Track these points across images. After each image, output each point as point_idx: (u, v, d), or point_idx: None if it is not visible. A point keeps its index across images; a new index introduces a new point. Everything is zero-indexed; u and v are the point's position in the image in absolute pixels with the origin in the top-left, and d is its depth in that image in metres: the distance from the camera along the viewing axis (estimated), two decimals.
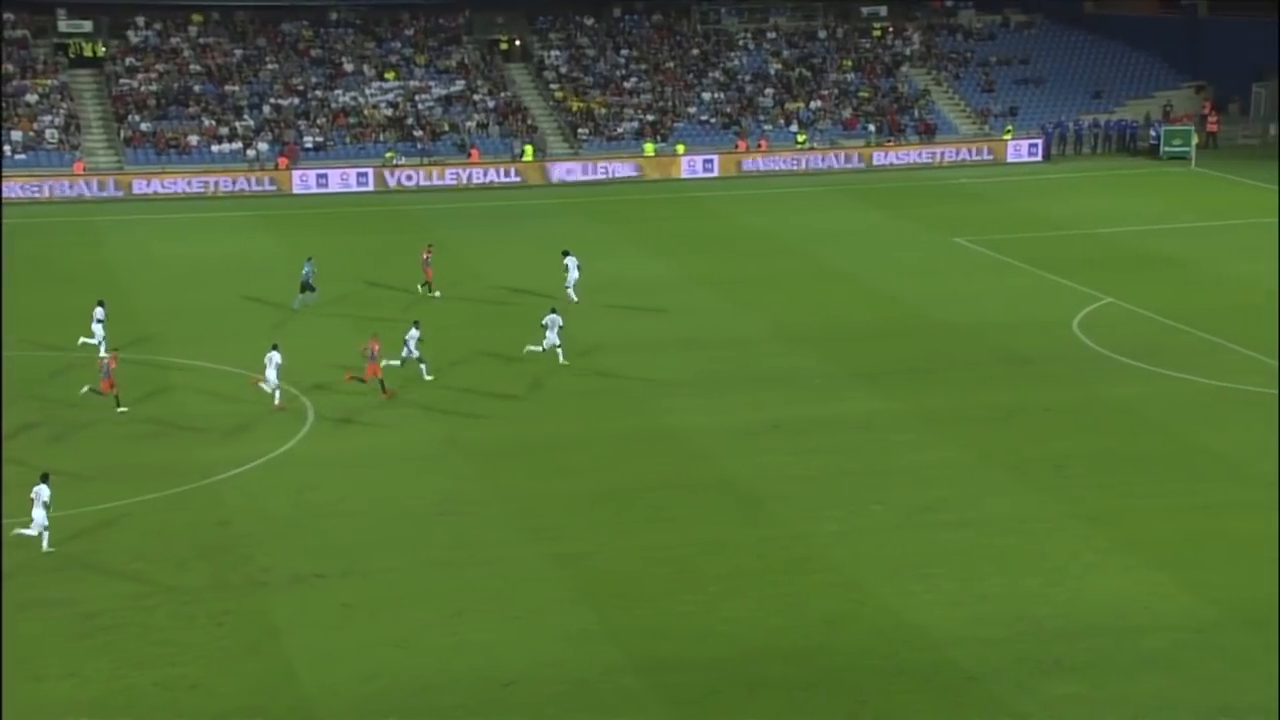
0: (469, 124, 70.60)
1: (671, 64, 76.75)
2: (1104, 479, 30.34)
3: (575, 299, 43.26)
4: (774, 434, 33.33)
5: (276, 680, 22.98)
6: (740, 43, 79.23)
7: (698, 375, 37.82)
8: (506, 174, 67.14)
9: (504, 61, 76.36)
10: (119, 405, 34.65)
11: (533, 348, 38.21)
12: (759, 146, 70.71)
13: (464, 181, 66.51)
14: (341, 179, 65.39)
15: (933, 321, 42.90)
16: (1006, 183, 66.51)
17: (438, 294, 44.53)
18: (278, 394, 34.75)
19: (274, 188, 64.53)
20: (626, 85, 74.79)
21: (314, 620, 24.86)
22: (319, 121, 69.60)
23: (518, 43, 77.47)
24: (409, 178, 66.02)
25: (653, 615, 24.90)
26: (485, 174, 66.92)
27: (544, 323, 38.26)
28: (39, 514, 27.06)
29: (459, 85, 73.31)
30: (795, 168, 69.75)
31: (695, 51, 78.06)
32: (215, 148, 67.14)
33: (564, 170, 67.66)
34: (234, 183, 64.23)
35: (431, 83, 73.22)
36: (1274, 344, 39.23)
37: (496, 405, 35.67)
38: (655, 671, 23.17)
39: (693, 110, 73.53)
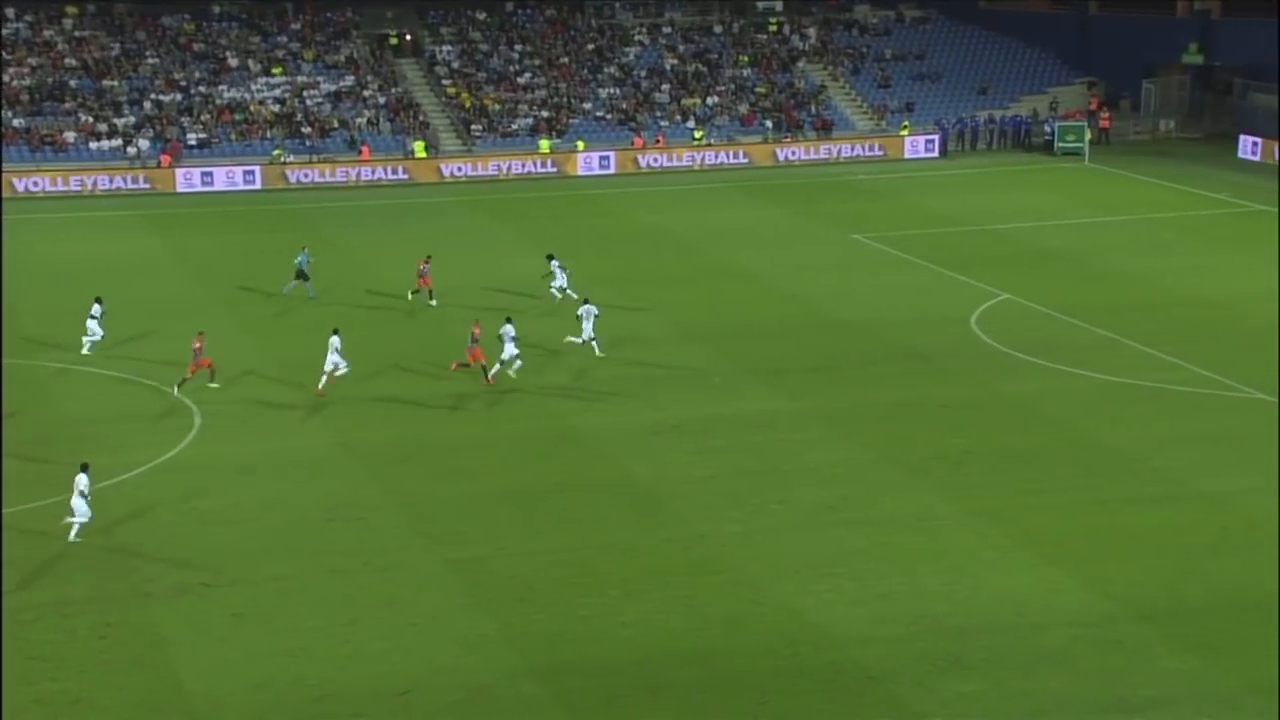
0: (359, 120, 69.99)
1: (566, 59, 76.74)
2: (1002, 476, 30.88)
3: (559, 298, 42.99)
4: (674, 434, 33.47)
5: (163, 693, 22.62)
6: (635, 38, 79.45)
7: (595, 375, 37.84)
8: (398, 171, 66.66)
9: (394, 56, 75.81)
10: (211, 380, 35.86)
11: (572, 339, 38.56)
12: (656, 143, 70.95)
13: (354, 179, 65.93)
14: (227, 177, 64.49)
15: (832, 319, 43.34)
16: (903, 179, 67.37)
17: (434, 302, 43.80)
18: (332, 374, 35.64)
19: (156, 186, 63.46)
20: (520, 81, 74.63)
21: (202, 630, 24.51)
22: (203, 118, 68.56)
23: (408, 37, 76.95)
24: (300, 175, 65.30)
25: (552, 619, 24.90)
26: (376, 171, 66.39)
27: (579, 314, 38.64)
28: (79, 503, 27.34)
29: (348, 81, 72.66)
30: (693, 164, 70.09)
31: (590, 47, 78.14)
32: (94, 145, 65.87)
33: (457, 167, 67.35)
34: (113, 181, 63.06)
35: (320, 78, 72.48)
36: (1168, 338, 40.18)
37: (392, 409, 35.42)
38: (555, 677, 23.17)
39: (588, 106, 73.58)
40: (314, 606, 25.32)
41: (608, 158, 68.98)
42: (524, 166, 67.99)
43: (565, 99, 73.67)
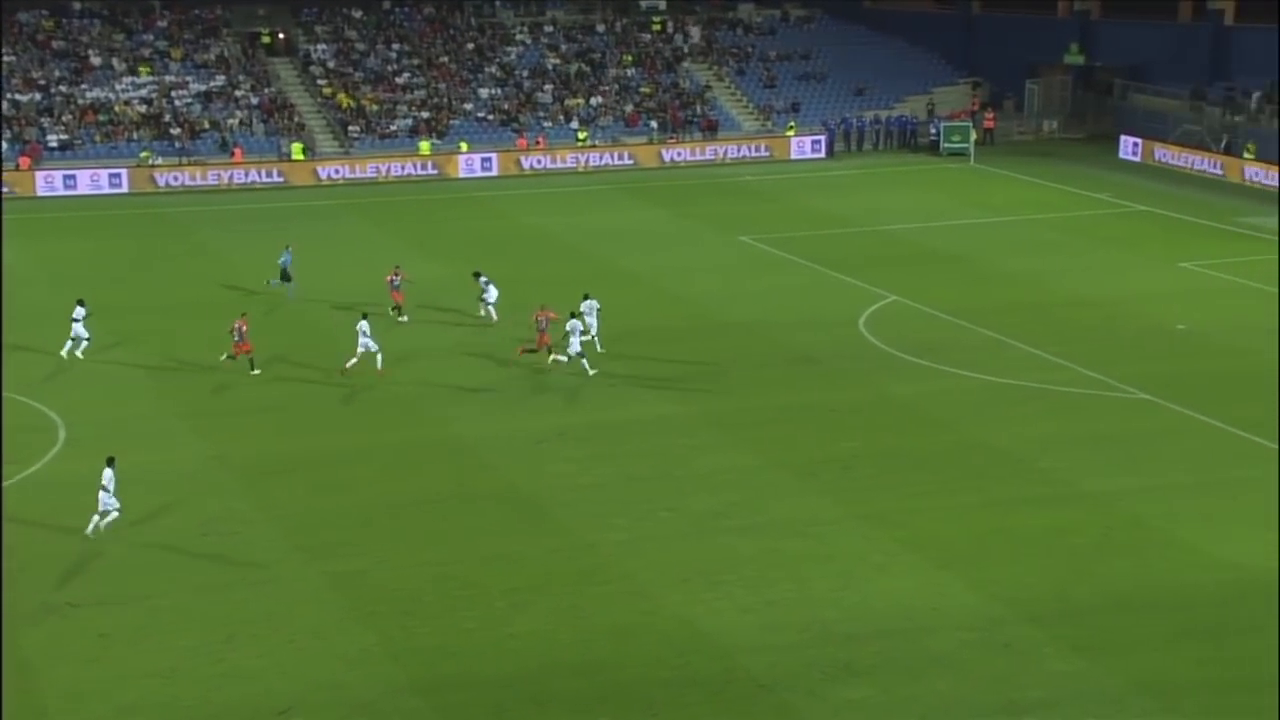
0: (231, 121, 69.01)
1: (446, 59, 76.37)
2: (890, 479, 31.32)
3: (495, 318, 42.51)
4: (560, 441, 33.47)
5: (27, 719, 22.13)
6: (516, 37, 79.33)
7: (481, 382, 37.73)
8: (272, 174, 65.85)
9: (267, 55, 74.86)
10: (253, 368, 37.39)
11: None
12: (538, 144, 70.90)
13: (227, 182, 64.99)
14: (92, 180, 63.23)
15: (719, 322, 43.63)
16: (790, 180, 68.04)
17: (405, 319, 42.99)
18: (362, 356, 37.49)
19: (14, 190, 61.99)
20: (399, 81, 74.11)
21: (68, 653, 23.99)
22: (64, 119, 67.11)
23: (281, 36, 76.04)
24: (169, 179, 64.20)
25: (436, 633, 24.76)
26: (249, 174, 65.51)
27: (582, 310, 39.16)
28: (104, 497, 27.95)
29: (219, 81, 71.60)
30: (577, 166, 70.14)
31: (470, 46, 77.85)
32: None
33: (334, 170, 66.70)
34: None
35: (189, 78, 71.35)
36: (1052, 339, 41.05)
37: (267, 419, 34.98)
38: (440, 691, 23.04)
39: (469, 107, 73.30)
40: (187, 625, 24.91)
41: (490, 159, 68.77)
42: (404, 169, 67.53)
43: (445, 99, 73.32)
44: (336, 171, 66.64)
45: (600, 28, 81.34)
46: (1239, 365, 38.78)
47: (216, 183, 64.80)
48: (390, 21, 78.38)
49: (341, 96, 72.04)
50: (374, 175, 66.97)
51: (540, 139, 71.19)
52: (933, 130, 75.46)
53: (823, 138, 74.38)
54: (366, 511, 29.71)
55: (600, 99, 75.48)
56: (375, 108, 71.76)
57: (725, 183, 67.46)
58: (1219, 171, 66.74)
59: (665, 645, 24.38)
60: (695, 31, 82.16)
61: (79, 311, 39.08)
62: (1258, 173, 64.97)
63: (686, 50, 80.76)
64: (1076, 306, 44.65)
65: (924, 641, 24.45)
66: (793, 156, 72.94)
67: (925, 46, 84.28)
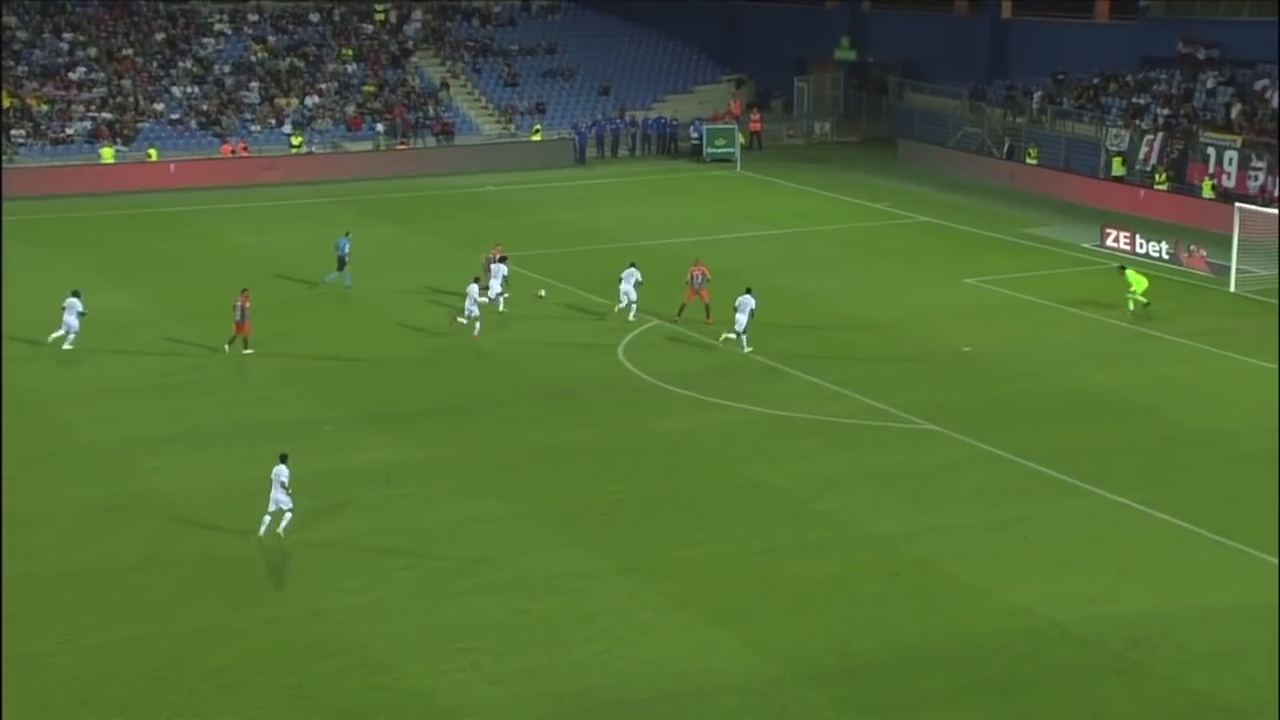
0: None
1: (130, 51, 74.52)
2: (656, 526, 31.68)
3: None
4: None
5: None
6: (215, 27, 77.94)
7: (183, 427, 36.88)
8: None
9: None
10: (246, 347, 41.54)
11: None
12: (244, 151, 69.75)
13: None
14: None
15: (459, 353, 43.54)
16: (537, 189, 68.47)
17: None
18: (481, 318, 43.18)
19: None
20: (73, 77, 71.96)
21: None
22: None
23: None
24: None
25: None
26: None
27: (621, 274, 44.61)
28: (281, 496, 30.46)
29: None
30: (291, 175, 69.22)
31: (159, 37, 76.16)
32: None
33: None
34: None
35: None
36: (831, 365, 42.19)
37: None
38: None
39: (160, 107, 71.66)
40: None
41: (187, 168, 67.34)
42: (82, 179, 65.57)
43: (132, 99, 71.50)
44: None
45: (314, 17, 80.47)
46: (1028, 390, 40.48)
47: None
48: (59, 6, 76.03)
49: (3, 95, 69.56)
50: (45, 189, 64.82)
51: (242, 145, 70.02)
52: (694, 134, 76.85)
53: (572, 141, 75.07)
54: (45, 583, 28.69)
55: (317, 99, 74.69)
56: (45, 108, 69.49)
57: (464, 194, 67.48)
58: (1002, 178, 69.66)
59: None
60: (424, 21, 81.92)
61: (76, 303, 42.12)
62: (1042, 179, 68.04)
63: (416, 43, 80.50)
64: (856, 328, 45.97)
65: (697, 708, 24.75)
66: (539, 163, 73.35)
67: (684, 40, 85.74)
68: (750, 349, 43.05)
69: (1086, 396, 39.79)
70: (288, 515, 30.67)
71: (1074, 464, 34.66)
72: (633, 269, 46.33)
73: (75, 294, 42.76)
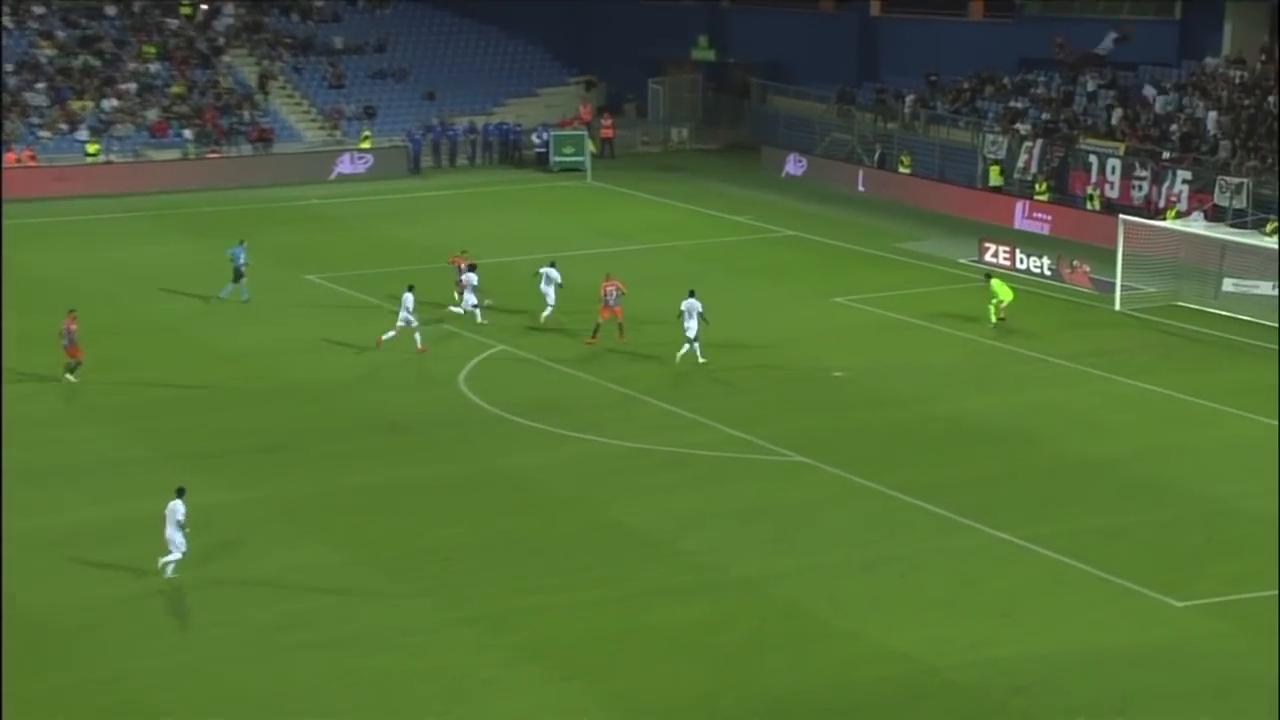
0: None
1: None
2: (503, 572, 31.66)
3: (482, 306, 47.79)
4: (72, 543, 32.41)
5: None
6: None
7: None
8: None
9: None
10: (70, 372, 41.77)
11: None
12: (29, 158, 68.59)
13: None
14: None
15: (282, 384, 43.26)
16: (368, 202, 68.19)
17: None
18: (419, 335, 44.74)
19: None
20: None
21: None
22: None
23: None
24: None
25: None
26: None
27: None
28: (175, 535, 30.34)
29: None
30: (88, 188, 68.19)
31: None
32: None
33: None
34: None
35: None
36: (691, 393, 42.50)
37: None
38: None
39: None
40: None
41: None
42: None
43: None
44: None
45: (111, 10, 79.26)
46: (903, 417, 41.10)
47: None
48: None
49: None
50: None
51: (26, 152, 68.79)
52: (538, 141, 76.97)
53: (406, 149, 74.88)
54: None
55: (115, 102, 73.61)
56: None
57: (284, 207, 66.98)
58: (873, 189, 70.69)
59: None
60: (237, 15, 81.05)
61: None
62: (916, 189, 69.13)
63: (228, 40, 79.72)
64: (718, 352, 46.31)
65: None
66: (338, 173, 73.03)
67: (528, 39, 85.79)
68: (705, 359, 44.15)
69: (965, 424, 40.51)
70: (175, 555, 30.68)
71: (952, 497, 35.27)
72: (552, 269, 48.17)
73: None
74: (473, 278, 48.56)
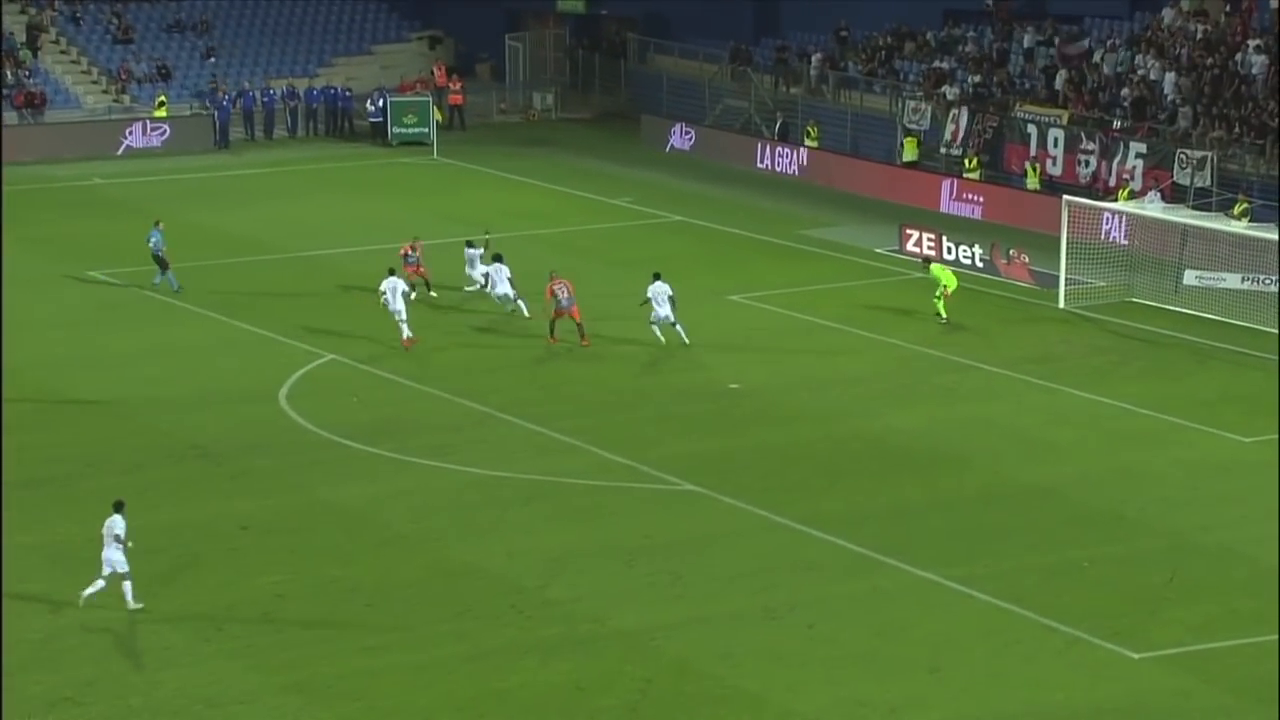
0: None
1: None
2: (333, 628, 31.45)
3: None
4: None
5: None
6: None
7: None
8: None
9: None
10: None
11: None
12: None
13: None
14: None
15: (62, 400, 42.97)
16: (166, 182, 67.65)
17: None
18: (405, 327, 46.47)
19: None
20: None
21: None
22: None
23: None
24: None
25: None
26: None
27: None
28: (114, 555, 31.29)
29: None
30: None
31: None
32: None
33: None
34: None
35: None
36: (561, 409, 42.53)
37: None
38: None
39: None
40: None
41: None
42: None
43: None
44: None
45: None
46: (812, 437, 41.32)
47: None
48: None
49: None
50: None
51: None
52: (373, 109, 76.61)
53: (213, 116, 74.22)
54: None
55: None
56: None
57: (60, 188, 66.22)
58: (774, 165, 71.02)
59: None
60: None
61: None
62: (825, 166, 69.51)
63: None
64: (591, 361, 46.33)
65: None
66: (153, 146, 72.39)
67: None
68: (690, 341, 47.04)
69: (885, 444, 40.80)
70: (127, 583, 31.34)
71: (870, 531, 35.50)
72: (500, 265, 49.49)
73: None
74: (475, 254, 51.07)
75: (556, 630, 31.52)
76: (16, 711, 28.46)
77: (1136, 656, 30.36)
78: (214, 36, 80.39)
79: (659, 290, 46.77)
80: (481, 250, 51.38)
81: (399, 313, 46.58)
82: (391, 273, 47.38)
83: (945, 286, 49.18)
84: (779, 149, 71.23)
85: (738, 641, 31.05)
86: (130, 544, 31.46)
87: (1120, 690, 29.38)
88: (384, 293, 46.58)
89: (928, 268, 50.50)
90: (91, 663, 30.10)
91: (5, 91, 73.20)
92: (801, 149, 70.59)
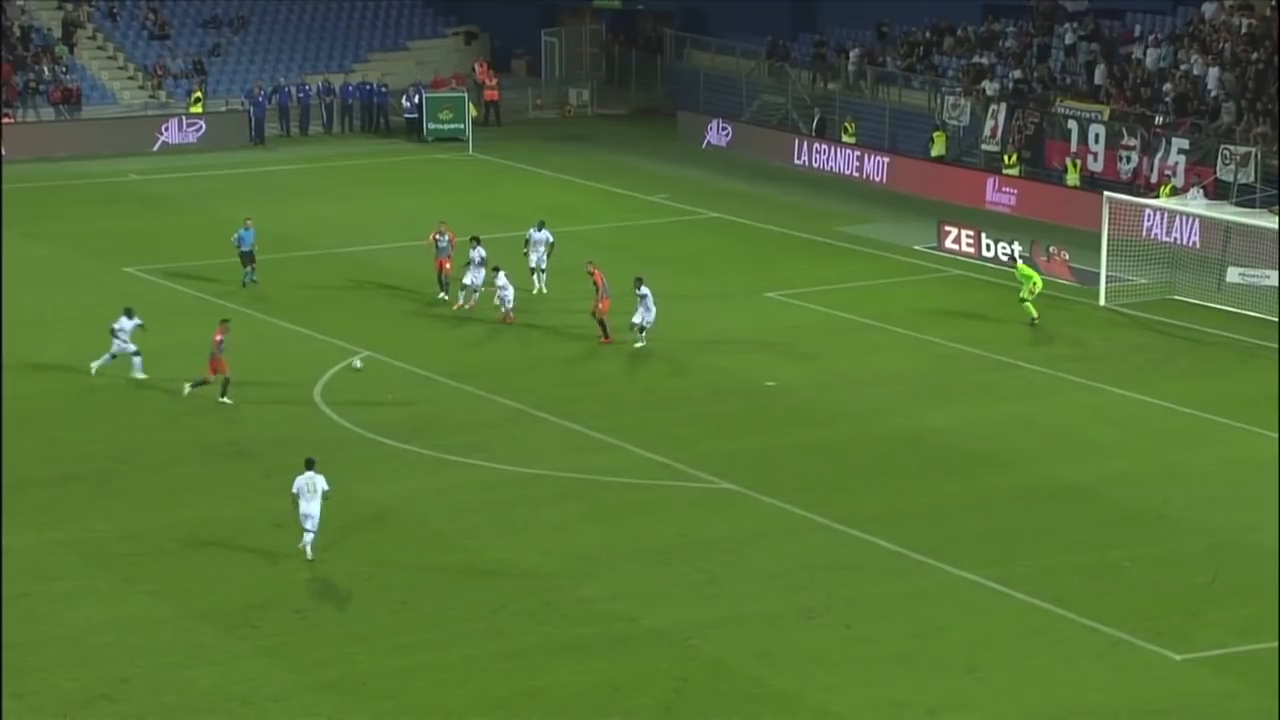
0: None
1: None
2: (366, 626, 31.48)
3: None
4: None
5: None
6: None
7: None
8: None
9: None
10: (223, 395, 42.41)
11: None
12: None
13: None
14: None
15: (90, 401, 42.99)
16: (201, 178, 67.76)
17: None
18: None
19: None
20: None
21: None
22: None
23: None
24: None
25: None
26: None
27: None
28: (314, 509, 33.52)
29: None
30: None
31: None
32: None
33: None
34: None
35: None
36: (596, 407, 42.52)
37: None
38: None
39: None
40: None
41: None
42: None
43: None
44: None
45: None
46: (850, 436, 41.25)
47: None
48: None
49: None
50: None
51: None
52: (408, 105, 76.68)
53: (247, 113, 74.38)
54: None
55: None
56: None
57: (96, 184, 66.36)
58: (811, 161, 70.89)
59: None
60: None
61: (126, 323, 44.02)
62: (864, 161, 69.37)
63: None
64: (629, 359, 46.30)
65: None
66: (189, 144, 72.42)
67: None
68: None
69: (923, 443, 40.70)
70: (311, 535, 33.54)
71: (908, 532, 35.42)
72: (544, 231, 51.78)
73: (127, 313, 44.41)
74: (481, 252, 50.35)
75: (591, 629, 31.50)
76: (51, 709, 28.53)
77: (1178, 658, 30.24)
78: (250, 33, 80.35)
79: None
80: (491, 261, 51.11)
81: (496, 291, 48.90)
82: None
83: (1034, 284, 49.20)
84: (816, 145, 71.02)
85: (774, 641, 31.01)
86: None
87: (1162, 692, 29.24)
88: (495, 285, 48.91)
89: (1016, 266, 50.85)
90: (125, 660, 30.16)
91: (41, 87, 73.36)
92: (839, 145, 70.39)
